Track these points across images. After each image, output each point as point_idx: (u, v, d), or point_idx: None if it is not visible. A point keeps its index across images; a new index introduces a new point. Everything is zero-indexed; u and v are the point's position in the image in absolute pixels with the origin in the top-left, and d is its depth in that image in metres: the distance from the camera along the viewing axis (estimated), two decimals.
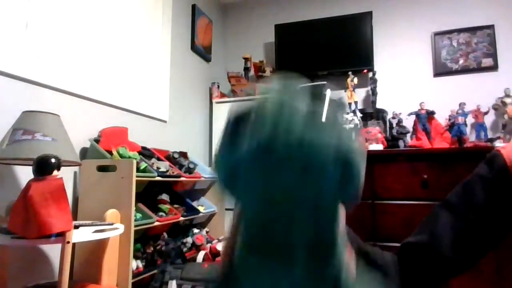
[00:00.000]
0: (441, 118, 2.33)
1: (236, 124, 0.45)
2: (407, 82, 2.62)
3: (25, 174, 1.31)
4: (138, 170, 1.50)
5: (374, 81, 2.54)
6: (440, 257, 0.68)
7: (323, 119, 0.42)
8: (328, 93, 0.44)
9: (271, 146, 0.40)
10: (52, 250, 1.40)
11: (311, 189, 0.41)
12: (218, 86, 2.83)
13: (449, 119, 2.30)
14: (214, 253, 1.70)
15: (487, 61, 2.44)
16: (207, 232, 2.17)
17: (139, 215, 1.56)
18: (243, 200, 0.46)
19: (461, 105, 2.28)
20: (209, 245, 1.77)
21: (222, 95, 2.87)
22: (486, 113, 2.28)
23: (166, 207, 1.81)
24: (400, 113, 2.40)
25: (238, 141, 0.43)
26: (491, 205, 0.67)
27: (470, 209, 0.69)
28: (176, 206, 1.94)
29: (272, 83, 0.46)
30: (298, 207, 0.41)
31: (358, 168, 0.43)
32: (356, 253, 0.63)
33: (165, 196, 1.89)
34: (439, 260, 0.68)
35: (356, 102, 2.43)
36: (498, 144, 2.05)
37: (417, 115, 2.32)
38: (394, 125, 2.39)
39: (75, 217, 1.48)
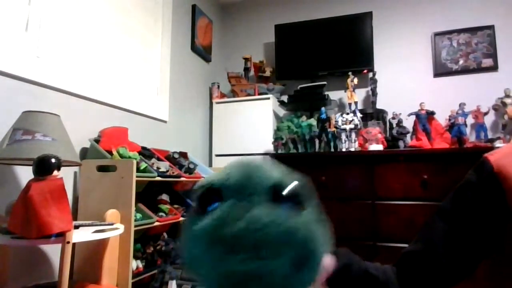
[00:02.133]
0: (441, 119, 2.33)
1: (200, 200, 0.47)
2: (407, 82, 2.62)
3: (25, 174, 1.31)
4: (138, 170, 1.50)
5: (374, 81, 2.54)
6: (436, 265, 0.67)
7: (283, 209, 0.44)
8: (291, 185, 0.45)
9: (224, 225, 0.42)
10: (52, 250, 1.40)
11: (263, 269, 0.41)
12: (218, 86, 2.83)
13: (449, 120, 2.29)
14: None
15: (487, 62, 2.44)
16: None
17: (139, 215, 1.56)
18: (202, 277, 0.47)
19: (461, 105, 2.28)
20: None
21: (222, 95, 2.87)
22: (486, 113, 2.28)
23: (166, 207, 1.81)
24: (400, 114, 2.40)
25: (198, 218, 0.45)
26: (480, 211, 0.67)
27: (461, 215, 0.69)
28: (176, 206, 1.94)
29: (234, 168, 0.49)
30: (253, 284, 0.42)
31: (314, 254, 0.44)
32: (356, 274, 0.65)
33: (165, 196, 1.89)
34: (435, 268, 0.67)
35: (356, 103, 2.43)
36: (498, 144, 2.05)
37: (417, 115, 2.32)
38: (394, 125, 2.39)
39: (75, 217, 1.48)
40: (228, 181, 0.47)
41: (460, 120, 2.23)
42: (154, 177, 1.63)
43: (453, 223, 0.69)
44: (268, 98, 2.60)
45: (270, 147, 2.43)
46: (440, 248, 0.68)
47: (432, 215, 0.73)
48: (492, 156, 0.70)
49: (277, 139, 2.30)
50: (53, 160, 1.00)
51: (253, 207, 0.43)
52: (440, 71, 2.55)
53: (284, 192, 0.45)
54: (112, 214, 1.36)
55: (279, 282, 0.42)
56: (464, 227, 0.68)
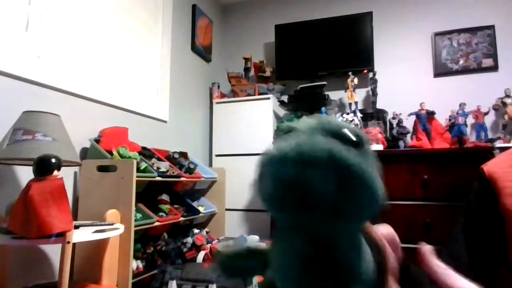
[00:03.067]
0: (442, 119, 2.33)
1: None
2: (407, 82, 2.62)
3: (25, 174, 1.31)
4: (138, 170, 1.50)
5: (374, 81, 2.54)
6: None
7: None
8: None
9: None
10: (52, 250, 1.40)
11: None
12: (219, 86, 2.83)
13: (449, 120, 2.30)
14: (214, 253, 1.70)
15: (487, 62, 2.44)
16: (207, 232, 2.17)
17: (139, 215, 1.56)
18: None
19: (461, 105, 2.28)
20: (209, 245, 1.77)
21: (223, 95, 2.87)
22: (486, 113, 2.28)
23: (166, 207, 1.81)
24: (400, 114, 2.40)
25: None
26: (484, 217, 0.76)
27: (472, 224, 0.79)
28: (176, 206, 1.94)
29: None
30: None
31: (365, 185, 0.44)
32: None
33: (165, 196, 1.89)
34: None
35: (356, 103, 2.43)
36: (498, 144, 2.05)
37: (417, 115, 2.32)
38: (394, 125, 2.39)
39: (75, 217, 1.48)
40: (299, 125, 0.51)
41: (460, 120, 2.23)
42: (154, 177, 1.63)
43: (468, 233, 0.78)
44: (268, 98, 2.60)
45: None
46: (464, 259, 0.75)
47: (455, 228, 0.83)
48: (485, 166, 0.81)
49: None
50: (53, 160, 1.00)
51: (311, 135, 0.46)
52: (440, 71, 2.55)
53: (344, 132, 0.47)
54: (112, 214, 1.36)
55: (322, 198, 0.44)
56: (477, 235, 0.76)
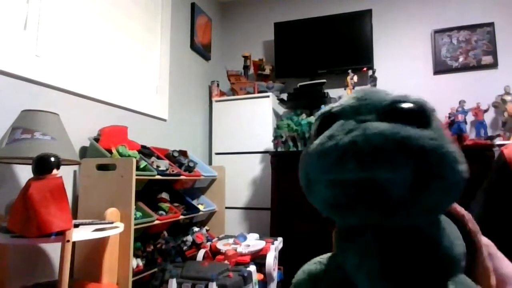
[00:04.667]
0: (441, 116, 2.31)
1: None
2: (407, 80, 2.62)
3: (24, 173, 1.31)
4: (137, 168, 1.50)
5: (373, 79, 2.54)
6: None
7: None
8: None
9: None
10: (52, 249, 1.40)
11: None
12: (218, 85, 2.83)
13: (449, 117, 2.29)
14: (214, 252, 1.70)
15: (487, 59, 2.43)
16: (207, 230, 2.17)
17: (139, 214, 1.56)
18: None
19: (461, 102, 2.28)
20: (209, 243, 1.77)
21: (222, 93, 2.86)
22: (486, 110, 2.28)
23: (166, 205, 1.81)
24: None
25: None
26: (497, 192, 0.85)
27: (489, 191, 0.88)
28: (176, 204, 1.94)
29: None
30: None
31: (444, 170, 0.39)
32: None
33: (165, 195, 1.89)
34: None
35: None
36: (498, 142, 2.04)
37: None
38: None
39: (75, 216, 1.48)
40: (343, 106, 0.45)
41: (460, 117, 2.22)
42: (154, 175, 1.63)
43: (485, 206, 0.86)
44: (268, 96, 2.60)
45: (269, 145, 2.43)
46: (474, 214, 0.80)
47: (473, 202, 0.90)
48: (506, 149, 0.87)
49: (276, 137, 2.30)
50: (52, 159, 1.00)
51: (365, 123, 0.40)
52: (440, 68, 2.54)
53: (403, 107, 0.41)
54: (112, 212, 1.36)
55: (397, 195, 0.37)
56: (493, 209, 0.84)
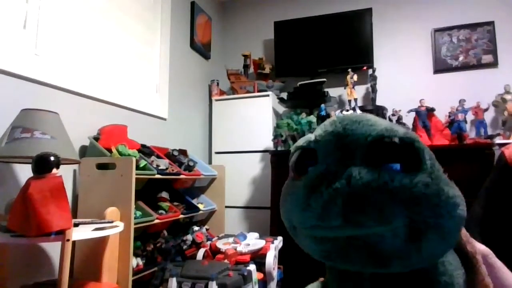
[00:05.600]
0: (441, 115, 2.32)
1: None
2: (407, 79, 2.62)
3: (24, 172, 1.31)
4: (137, 168, 1.50)
5: (373, 78, 2.53)
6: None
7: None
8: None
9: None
10: (52, 248, 1.40)
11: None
12: (218, 84, 2.82)
13: (449, 116, 2.29)
14: (214, 251, 1.70)
15: (487, 58, 2.43)
16: (207, 229, 2.17)
17: (139, 213, 1.56)
18: None
19: (461, 101, 2.28)
20: (209, 242, 1.77)
21: (222, 92, 2.86)
22: (486, 110, 2.28)
23: (166, 204, 1.81)
24: (400, 110, 2.39)
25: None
26: (498, 191, 0.87)
27: (490, 196, 0.90)
28: (176, 203, 1.94)
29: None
30: None
31: (437, 221, 0.36)
32: None
33: (164, 194, 1.89)
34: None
35: (355, 99, 2.43)
36: (498, 141, 2.04)
37: (417, 112, 2.31)
38: (394, 122, 2.38)
39: (74, 215, 1.48)
40: (323, 139, 0.41)
41: (460, 116, 2.22)
42: (154, 174, 1.63)
43: (486, 205, 0.88)
44: (268, 95, 2.60)
45: (269, 144, 2.43)
46: (478, 228, 0.82)
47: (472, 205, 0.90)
48: (507, 150, 0.89)
49: (276, 136, 2.30)
50: (52, 158, 1.00)
51: (348, 168, 0.36)
52: (440, 67, 2.54)
53: (390, 145, 0.37)
54: (112, 212, 1.36)
55: (391, 247, 0.35)
56: (494, 207, 0.85)
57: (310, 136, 0.44)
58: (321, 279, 0.56)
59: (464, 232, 0.49)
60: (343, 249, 0.36)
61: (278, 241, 1.80)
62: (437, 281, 0.40)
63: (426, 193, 0.35)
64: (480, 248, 0.54)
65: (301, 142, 0.45)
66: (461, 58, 2.50)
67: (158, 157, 1.86)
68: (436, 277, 0.40)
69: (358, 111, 2.26)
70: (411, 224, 0.34)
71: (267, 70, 2.83)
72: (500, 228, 0.81)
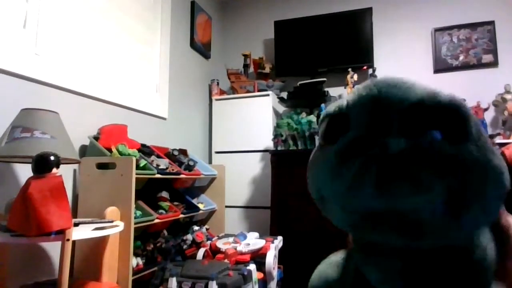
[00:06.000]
0: None
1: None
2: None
3: (24, 171, 1.31)
4: (137, 167, 1.50)
5: (374, 77, 2.53)
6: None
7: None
8: None
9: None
10: (52, 248, 1.40)
11: None
12: (218, 83, 2.82)
13: None
14: (214, 250, 1.70)
15: (487, 57, 2.43)
16: (207, 229, 2.17)
17: (139, 213, 1.56)
18: None
19: None
20: (209, 242, 1.77)
21: (222, 92, 2.86)
22: (486, 109, 2.28)
23: (166, 204, 1.81)
24: None
25: None
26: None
27: None
28: (176, 203, 1.94)
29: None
30: None
31: (479, 190, 0.33)
32: None
33: (165, 194, 1.89)
34: None
35: None
36: (498, 140, 2.04)
37: None
38: None
39: (74, 215, 1.48)
40: (355, 104, 0.37)
41: None
42: (154, 174, 1.62)
43: None
44: (268, 95, 2.60)
45: (269, 144, 2.43)
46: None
47: None
48: (507, 150, 0.84)
49: (276, 136, 2.30)
50: (52, 158, 1.00)
51: (384, 134, 0.33)
52: (440, 67, 2.54)
53: (433, 111, 0.33)
54: (112, 211, 1.36)
55: (428, 219, 0.32)
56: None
57: (342, 102, 0.40)
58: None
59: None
60: (373, 219, 0.34)
61: (278, 241, 1.80)
62: (469, 259, 0.38)
63: (470, 162, 0.32)
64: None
65: (332, 108, 0.41)
66: (461, 57, 2.50)
67: (158, 156, 1.86)
68: (470, 252, 0.38)
69: None
70: (451, 195, 0.32)
71: (267, 69, 2.83)
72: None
